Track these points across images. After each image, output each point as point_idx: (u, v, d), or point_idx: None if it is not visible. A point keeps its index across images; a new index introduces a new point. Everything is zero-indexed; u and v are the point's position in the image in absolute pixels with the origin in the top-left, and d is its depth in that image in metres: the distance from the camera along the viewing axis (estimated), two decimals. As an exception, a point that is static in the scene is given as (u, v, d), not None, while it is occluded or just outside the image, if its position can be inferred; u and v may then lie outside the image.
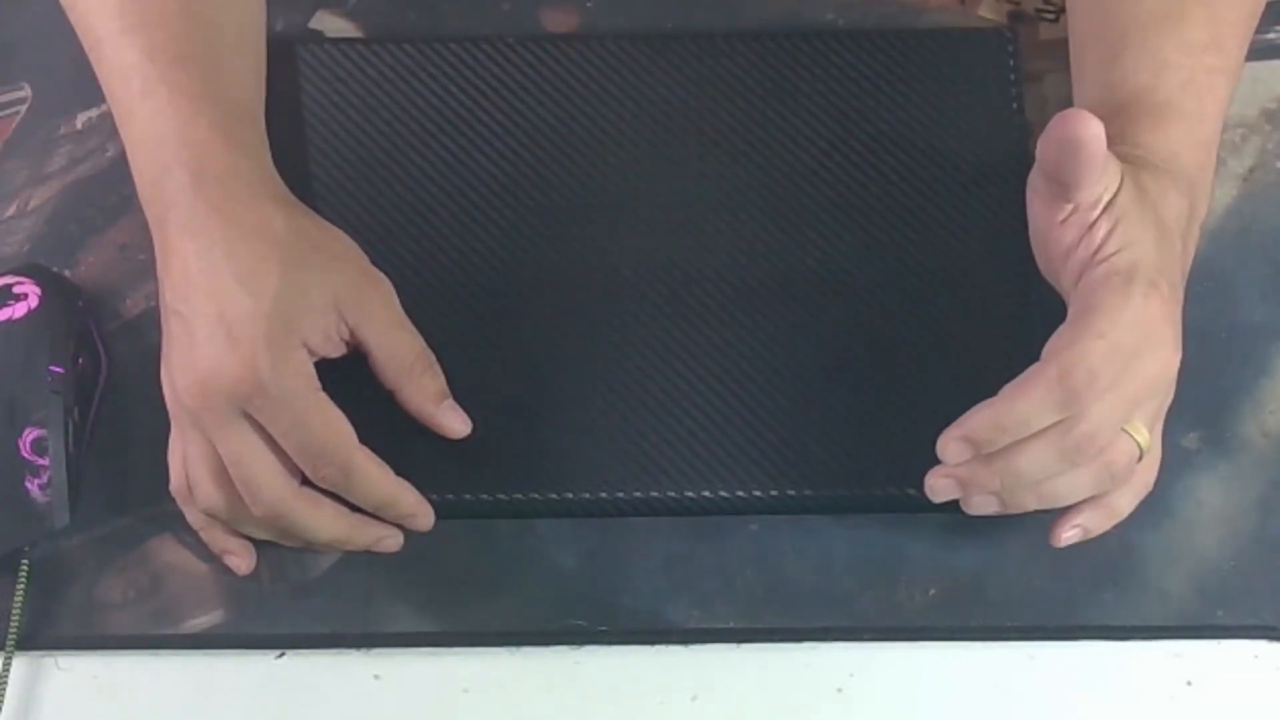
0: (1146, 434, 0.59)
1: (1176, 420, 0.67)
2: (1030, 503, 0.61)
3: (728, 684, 0.64)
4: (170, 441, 0.64)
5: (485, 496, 0.65)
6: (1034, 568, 0.65)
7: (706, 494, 0.64)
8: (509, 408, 0.65)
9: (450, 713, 0.64)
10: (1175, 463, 0.66)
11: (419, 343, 0.65)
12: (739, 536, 0.66)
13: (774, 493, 0.64)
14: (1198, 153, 0.62)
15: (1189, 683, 0.64)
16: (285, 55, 0.71)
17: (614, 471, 0.64)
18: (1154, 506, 0.66)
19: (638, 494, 0.64)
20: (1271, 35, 0.73)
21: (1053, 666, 0.64)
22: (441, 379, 0.65)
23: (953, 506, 0.63)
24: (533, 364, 0.66)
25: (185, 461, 0.63)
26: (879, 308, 0.66)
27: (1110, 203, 0.58)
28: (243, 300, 0.59)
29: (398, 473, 0.64)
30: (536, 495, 0.64)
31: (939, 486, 0.60)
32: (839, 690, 0.64)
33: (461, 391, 0.65)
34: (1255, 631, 0.64)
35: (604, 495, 0.65)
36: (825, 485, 0.64)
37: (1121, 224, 0.58)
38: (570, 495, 0.65)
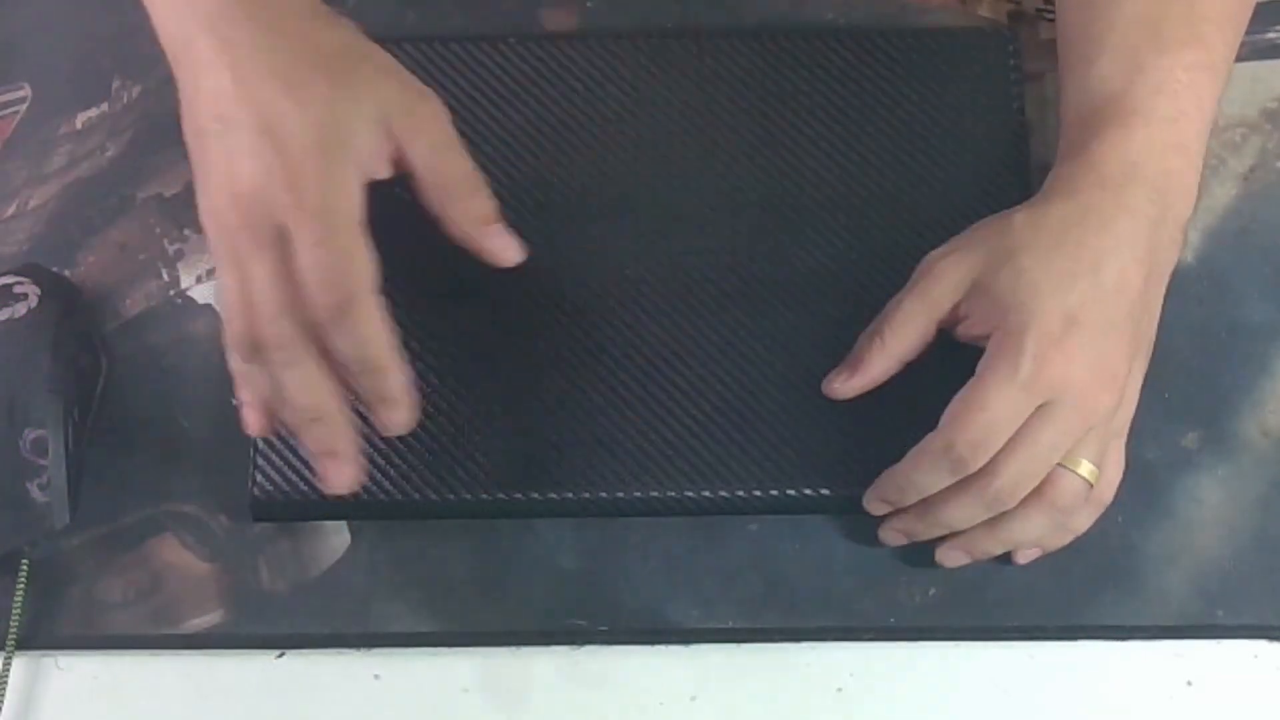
0: (1090, 466, 0.60)
1: (1176, 420, 0.67)
2: (993, 548, 0.63)
3: (728, 684, 0.64)
4: (217, 280, 0.60)
5: (485, 496, 0.65)
6: (1034, 568, 0.65)
7: (706, 494, 0.64)
8: (508, 407, 0.65)
9: (450, 713, 0.64)
10: (1175, 463, 0.66)
11: (468, 162, 0.60)
12: (739, 536, 0.66)
13: (774, 492, 0.64)
14: (1167, 157, 0.61)
15: (1189, 683, 0.64)
16: None
17: (614, 471, 0.64)
18: (1154, 506, 0.66)
19: (637, 494, 0.64)
20: (1271, 35, 0.73)
21: (1053, 666, 0.64)
22: (492, 202, 0.61)
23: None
24: (532, 363, 0.66)
25: (226, 293, 0.57)
26: (879, 307, 0.66)
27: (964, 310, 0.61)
28: (290, 109, 0.55)
29: (400, 475, 0.64)
30: (536, 495, 0.64)
31: (886, 536, 0.64)
32: (839, 690, 0.64)
33: (460, 391, 0.65)
34: (1255, 631, 0.64)
35: (604, 495, 0.65)
36: (825, 485, 0.64)
37: (994, 296, 0.59)
38: (570, 495, 0.65)
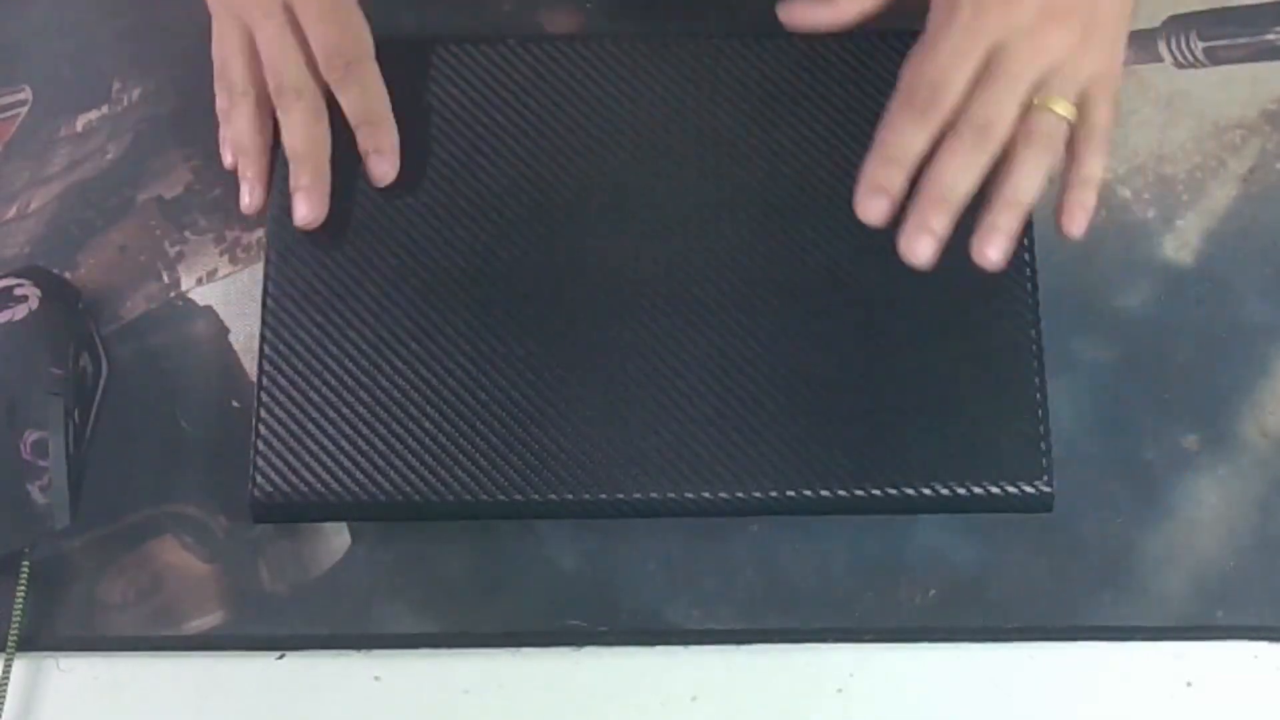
0: (1067, 104, 0.61)
1: (1176, 420, 0.67)
2: (1012, 214, 0.61)
3: (728, 684, 0.64)
4: (214, 39, 0.69)
5: (485, 497, 0.65)
6: (1034, 568, 0.65)
7: (706, 495, 0.64)
8: (508, 408, 0.65)
9: (450, 713, 0.64)
10: (1175, 463, 0.66)
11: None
12: (739, 537, 0.66)
13: (774, 494, 0.64)
14: None
15: (1189, 683, 0.64)
16: None
17: (614, 473, 0.64)
18: (1154, 506, 0.66)
19: (637, 495, 0.64)
20: (1271, 37, 0.73)
21: (1053, 666, 0.64)
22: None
23: (951, 510, 0.63)
24: (532, 364, 0.66)
25: (225, 49, 0.69)
26: (880, 307, 0.66)
27: None
28: None
29: (400, 476, 0.64)
30: (536, 496, 0.64)
31: (917, 249, 0.61)
32: (839, 690, 0.64)
33: (460, 392, 0.65)
34: (1255, 631, 0.64)
35: (603, 496, 0.64)
36: (825, 486, 0.64)
37: None
38: (570, 497, 0.64)
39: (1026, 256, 0.65)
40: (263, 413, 0.65)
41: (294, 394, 0.65)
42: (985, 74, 0.60)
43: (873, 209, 0.61)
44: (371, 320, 0.66)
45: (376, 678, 0.65)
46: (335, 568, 0.66)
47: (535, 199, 0.68)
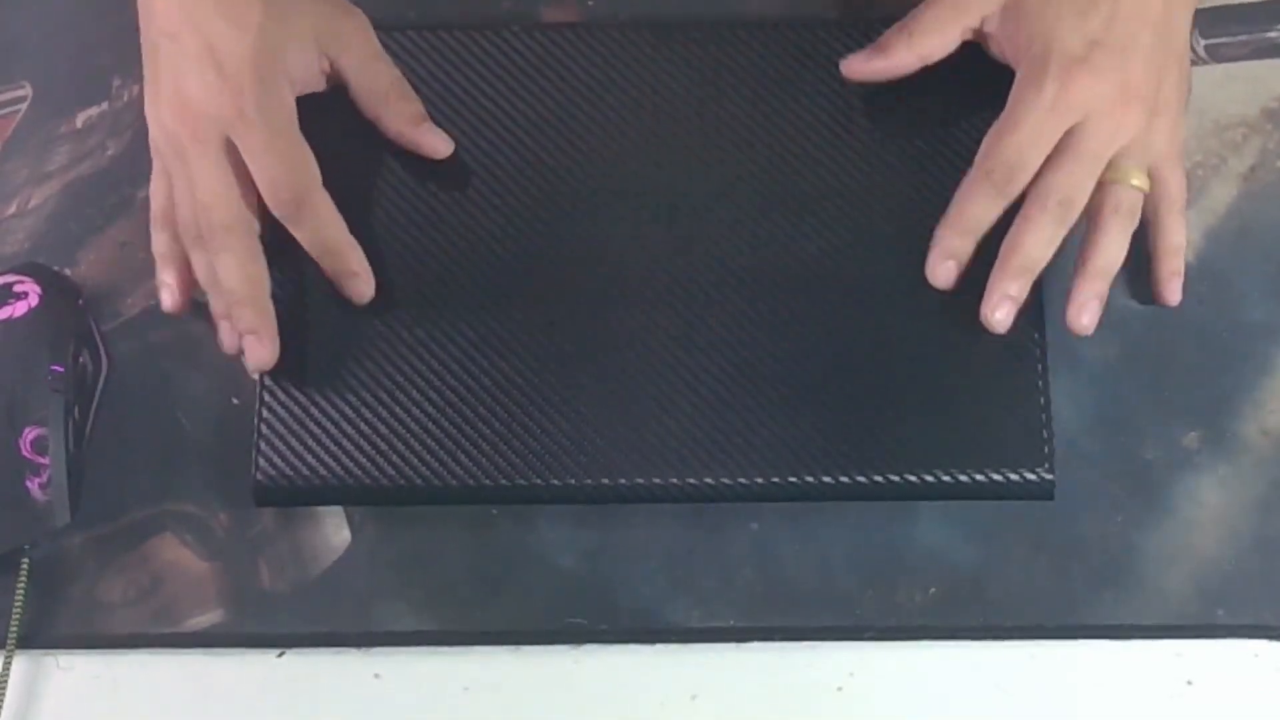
0: (1141, 177, 0.64)
1: (1176, 420, 0.67)
2: (1103, 283, 0.65)
3: (728, 684, 0.64)
4: (153, 178, 0.67)
5: (487, 482, 0.64)
6: (1034, 568, 0.65)
7: (708, 480, 0.64)
8: (510, 392, 0.65)
9: (450, 713, 0.64)
10: (1175, 463, 0.66)
11: (394, 70, 0.68)
12: (739, 536, 0.66)
13: (775, 479, 0.64)
14: None
15: (1189, 682, 0.64)
16: None
17: (614, 458, 0.64)
18: (1154, 506, 0.66)
19: (639, 480, 0.64)
20: (1272, 35, 0.73)
21: (1053, 666, 0.64)
22: (418, 103, 0.68)
23: (952, 497, 0.63)
24: (533, 349, 0.66)
25: (168, 189, 0.66)
26: (880, 295, 0.66)
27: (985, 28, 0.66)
28: (228, 33, 0.63)
29: (402, 460, 0.64)
30: (539, 480, 0.64)
31: (998, 316, 0.64)
32: (839, 690, 0.64)
33: (461, 378, 0.65)
34: (1255, 631, 0.64)
35: (605, 481, 0.64)
36: (825, 472, 0.64)
37: (1020, 21, 0.64)
38: (572, 481, 0.64)
39: None
40: (266, 395, 0.65)
41: (296, 376, 0.65)
42: (1064, 150, 0.63)
43: (942, 275, 0.65)
44: (373, 304, 0.66)
45: (376, 676, 0.65)
46: (335, 566, 0.66)
47: (537, 185, 0.68)
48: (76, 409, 0.67)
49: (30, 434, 0.65)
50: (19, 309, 0.67)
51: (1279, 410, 0.67)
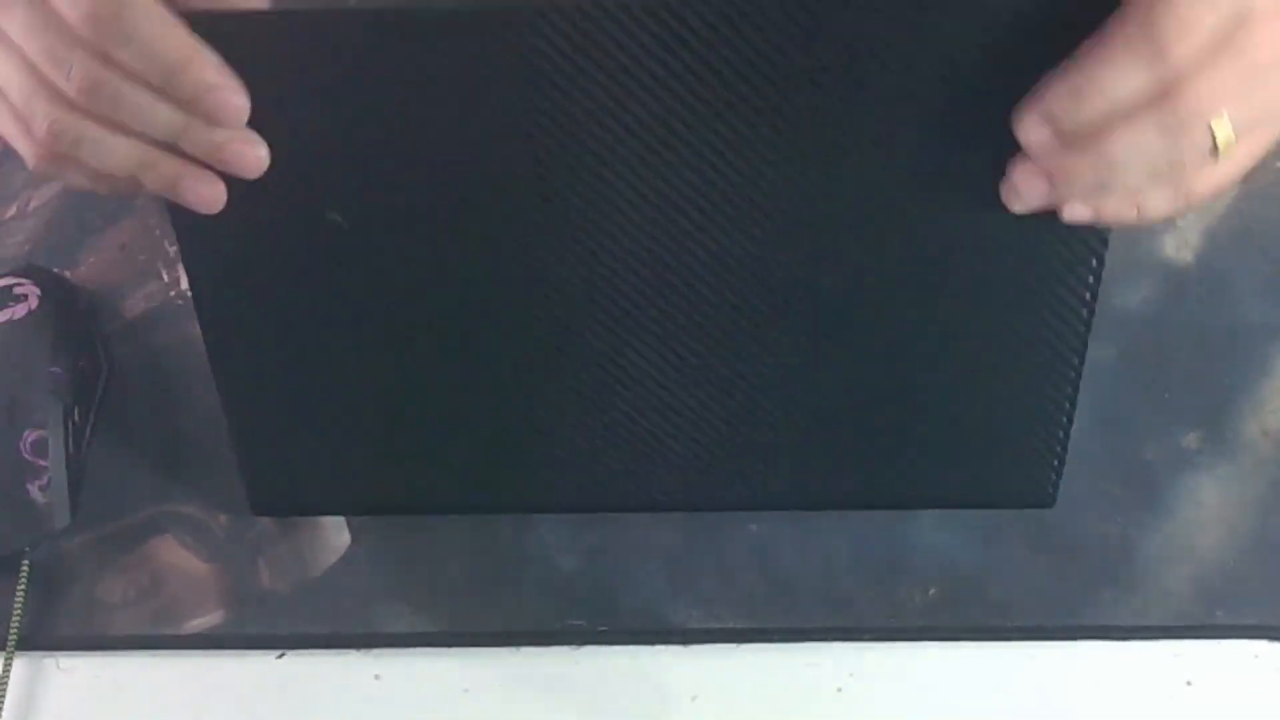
0: (1229, 129, 0.50)
1: (1176, 420, 0.67)
2: (1125, 212, 0.52)
3: (728, 684, 0.64)
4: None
5: (485, 492, 0.64)
6: (1034, 568, 0.65)
7: (706, 489, 0.64)
8: (504, 403, 0.65)
9: (450, 713, 0.64)
10: (1175, 463, 0.66)
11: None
12: (739, 536, 0.66)
13: (777, 489, 0.64)
14: None
15: (1189, 683, 0.64)
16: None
17: (613, 481, 0.64)
18: (1154, 506, 0.66)
19: (637, 487, 0.64)
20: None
21: (1053, 666, 0.64)
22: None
23: (951, 505, 0.63)
24: (527, 361, 0.65)
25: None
26: (882, 297, 0.65)
27: None
28: None
29: (398, 469, 0.64)
30: (535, 490, 0.64)
31: (1025, 186, 0.53)
32: (839, 690, 0.64)
33: (455, 388, 0.65)
34: (1255, 631, 0.64)
35: (603, 488, 0.64)
36: (826, 478, 0.64)
37: None
38: (571, 490, 0.64)
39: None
40: (247, 408, 0.64)
41: (288, 388, 0.65)
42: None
43: (1036, 133, 0.51)
44: (365, 315, 0.65)
45: (377, 677, 0.65)
46: (335, 567, 0.66)
47: (536, 193, 0.67)
48: (76, 411, 0.67)
49: (30, 436, 0.65)
50: (19, 311, 0.67)
51: (1279, 410, 0.67)
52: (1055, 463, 0.63)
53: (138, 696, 0.64)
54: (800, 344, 0.64)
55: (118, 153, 0.53)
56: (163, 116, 0.52)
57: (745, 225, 0.65)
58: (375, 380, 0.64)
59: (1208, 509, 0.66)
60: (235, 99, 0.53)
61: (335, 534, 0.67)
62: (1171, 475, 0.66)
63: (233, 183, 0.55)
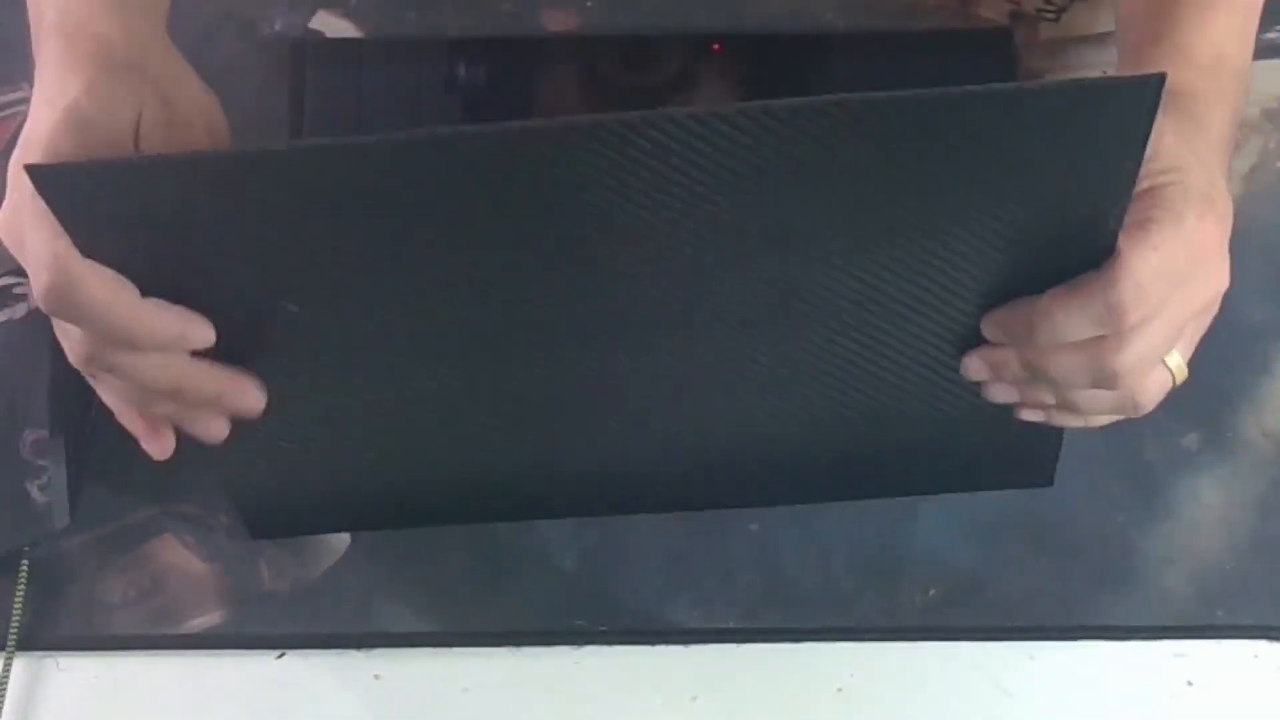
0: (1182, 364, 0.57)
1: (1176, 420, 0.67)
2: (1048, 402, 0.59)
3: (728, 684, 0.64)
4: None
5: (481, 505, 0.64)
6: (1034, 568, 0.65)
7: (707, 488, 0.64)
8: (507, 411, 0.65)
9: (450, 713, 0.64)
10: (1175, 463, 0.66)
11: None
12: (739, 536, 0.66)
13: (774, 480, 0.64)
14: (1244, 47, 0.59)
15: (1189, 683, 0.64)
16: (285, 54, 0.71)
17: (613, 495, 0.64)
18: (1154, 506, 0.66)
19: (640, 488, 0.64)
20: (1272, 35, 0.73)
21: (1053, 666, 0.64)
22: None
23: (951, 489, 0.63)
24: (531, 367, 0.65)
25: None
26: (883, 312, 0.65)
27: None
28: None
29: (399, 476, 0.64)
30: (537, 504, 0.64)
31: (971, 366, 0.59)
32: (839, 690, 0.64)
33: (459, 394, 0.65)
34: (1255, 631, 0.64)
35: (605, 489, 0.64)
36: (825, 467, 0.64)
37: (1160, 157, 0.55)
38: (568, 503, 0.64)
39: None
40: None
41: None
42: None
43: (991, 334, 0.58)
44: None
45: (377, 676, 0.65)
46: (335, 567, 0.66)
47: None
48: (76, 411, 0.67)
49: (30, 436, 0.65)
50: (18, 311, 0.67)
51: (1279, 410, 0.67)
52: (1054, 440, 0.63)
53: (138, 696, 0.64)
54: (800, 339, 0.64)
55: (132, 393, 0.57)
56: (151, 374, 0.55)
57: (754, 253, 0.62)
58: (367, 403, 0.63)
59: (1208, 509, 0.66)
60: (204, 334, 0.55)
61: (335, 535, 0.66)
62: (1171, 475, 0.66)
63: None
